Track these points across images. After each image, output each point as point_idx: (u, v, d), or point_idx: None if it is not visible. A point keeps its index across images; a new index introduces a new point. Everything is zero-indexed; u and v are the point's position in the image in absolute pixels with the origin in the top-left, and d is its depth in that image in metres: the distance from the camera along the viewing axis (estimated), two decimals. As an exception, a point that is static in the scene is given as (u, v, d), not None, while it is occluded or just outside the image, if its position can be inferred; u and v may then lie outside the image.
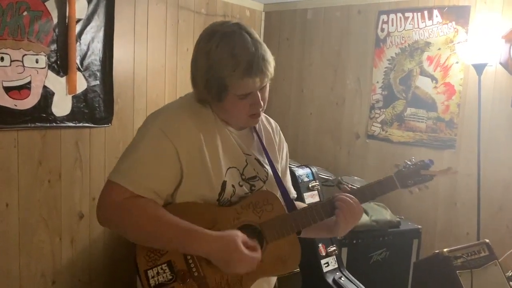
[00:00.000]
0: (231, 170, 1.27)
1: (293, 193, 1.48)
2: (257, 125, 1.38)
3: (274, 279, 1.40)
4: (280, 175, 1.37)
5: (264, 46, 1.21)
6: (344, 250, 2.64)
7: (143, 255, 1.19)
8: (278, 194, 1.34)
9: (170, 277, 1.17)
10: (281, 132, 1.49)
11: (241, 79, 1.16)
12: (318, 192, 2.64)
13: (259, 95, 1.23)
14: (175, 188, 1.22)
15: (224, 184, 1.24)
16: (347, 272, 2.54)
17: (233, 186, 1.26)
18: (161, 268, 1.17)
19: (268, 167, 1.35)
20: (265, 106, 1.28)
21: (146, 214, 1.15)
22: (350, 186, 1.31)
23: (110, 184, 1.18)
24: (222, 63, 1.16)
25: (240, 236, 1.16)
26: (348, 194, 1.31)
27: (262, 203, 1.25)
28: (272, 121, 1.48)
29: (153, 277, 1.17)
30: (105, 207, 1.19)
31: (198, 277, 1.18)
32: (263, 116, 1.42)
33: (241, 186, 1.28)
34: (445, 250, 2.26)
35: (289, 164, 1.60)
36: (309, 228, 1.31)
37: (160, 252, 1.19)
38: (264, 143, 1.38)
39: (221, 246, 1.13)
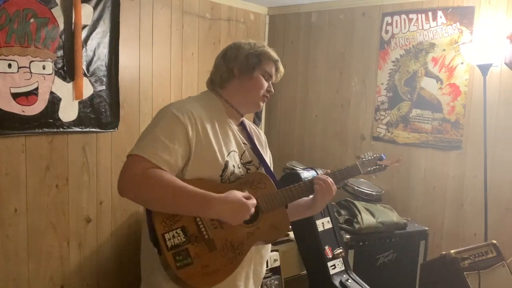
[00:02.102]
0: (233, 153, 1.51)
1: None
2: (247, 127, 1.66)
3: (266, 256, 1.63)
4: (268, 163, 1.66)
5: None
6: (351, 252, 2.64)
7: (160, 221, 1.36)
8: None
9: (184, 239, 1.36)
10: (266, 141, 1.77)
11: (271, 61, 1.59)
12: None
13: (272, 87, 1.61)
14: (185, 164, 1.41)
15: (226, 163, 1.47)
16: (354, 274, 2.54)
17: (233, 166, 1.49)
18: (176, 232, 1.36)
19: (260, 155, 1.64)
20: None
21: (164, 181, 1.34)
22: (327, 171, 1.69)
23: (131, 157, 1.38)
24: (262, 48, 1.59)
25: (238, 192, 1.41)
26: (325, 175, 1.61)
27: (257, 181, 1.51)
28: (260, 130, 1.79)
29: (169, 239, 1.34)
30: (128, 177, 1.36)
31: (207, 240, 1.38)
32: (252, 124, 1.73)
33: (239, 168, 1.53)
34: (452, 251, 2.26)
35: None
36: (293, 205, 1.60)
37: (174, 219, 1.37)
38: (256, 141, 1.66)
39: (229, 203, 1.37)
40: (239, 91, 1.57)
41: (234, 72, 1.56)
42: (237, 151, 1.54)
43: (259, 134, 1.73)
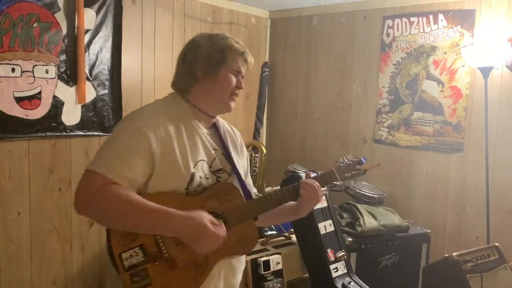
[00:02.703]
0: (201, 163, 1.41)
1: (254, 190, 1.64)
2: (221, 128, 1.56)
3: (240, 267, 1.54)
4: (240, 171, 1.53)
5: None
6: (353, 255, 2.64)
7: (117, 239, 1.28)
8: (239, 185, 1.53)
9: (143, 259, 1.28)
10: (241, 138, 1.68)
11: (237, 55, 1.45)
12: (326, 197, 2.64)
13: (242, 82, 1.49)
14: (148, 178, 1.32)
15: (192, 175, 1.37)
16: (356, 277, 2.54)
17: (200, 177, 1.39)
18: (134, 251, 1.28)
19: (232, 162, 1.53)
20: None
21: (122, 199, 1.24)
22: (308, 173, 1.63)
23: (88, 173, 1.28)
24: (225, 41, 1.45)
25: (206, 215, 1.30)
26: (311, 179, 1.53)
27: (224, 193, 1.41)
28: (234, 128, 1.67)
29: (127, 259, 1.27)
30: (84, 194, 1.27)
31: (168, 258, 1.30)
32: (226, 123, 1.63)
33: (207, 178, 1.42)
34: (454, 254, 2.26)
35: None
36: (272, 213, 1.50)
37: (133, 237, 1.29)
38: (229, 144, 1.55)
39: (191, 225, 1.26)
40: (205, 94, 1.45)
41: (196, 75, 1.44)
42: (205, 159, 1.42)
43: (234, 136, 1.62)
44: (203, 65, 1.43)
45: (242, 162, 1.59)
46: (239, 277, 1.54)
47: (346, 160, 1.63)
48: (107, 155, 1.30)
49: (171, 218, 1.26)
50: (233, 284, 1.50)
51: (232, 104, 1.49)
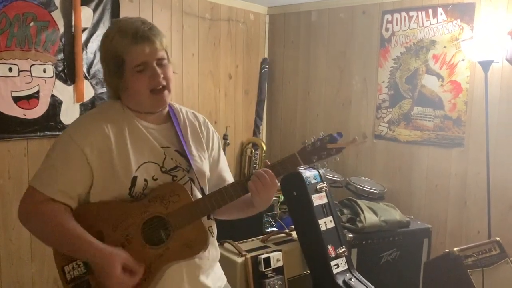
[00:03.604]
0: (146, 165, 1.32)
1: (229, 181, 1.53)
2: (181, 120, 1.44)
3: (208, 264, 1.43)
4: (203, 166, 1.43)
5: (153, 25, 1.33)
6: (354, 251, 2.63)
7: (59, 253, 1.30)
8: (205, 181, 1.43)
9: (84, 270, 1.27)
10: (209, 125, 1.54)
11: (131, 46, 1.26)
12: (326, 193, 2.63)
13: (158, 69, 1.30)
14: (89, 189, 1.30)
15: (134, 179, 1.29)
16: (357, 273, 2.53)
17: (145, 180, 1.31)
18: (76, 264, 1.28)
19: (187, 158, 1.40)
20: (170, 85, 1.34)
21: (52, 221, 1.24)
22: (266, 163, 1.35)
23: (28, 188, 1.29)
24: (113, 40, 1.29)
25: (123, 257, 1.24)
26: (264, 168, 1.34)
27: (168, 194, 1.31)
28: (200, 116, 1.53)
29: (69, 272, 1.28)
30: (20, 209, 1.29)
31: None
32: (190, 112, 1.50)
33: (155, 179, 1.32)
34: (455, 249, 2.25)
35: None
36: (228, 208, 1.37)
37: None
38: (189, 136, 1.44)
39: (101, 261, 1.22)
40: (130, 98, 1.34)
41: (108, 82, 1.36)
42: (152, 160, 1.33)
43: (198, 126, 1.49)
44: (107, 74, 1.34)
45: (207, 155, 1.48)
46: (214, 275, 1.46)
47: (314, 140, 1.37)
48: (43, 169, 1.29)
49: (86, 248, 1.23)
50: (206, 283, 1.41)
51: (163, 97, 1.33)
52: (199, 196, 1.40)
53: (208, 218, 1.42)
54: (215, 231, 1.47)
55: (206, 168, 1.45)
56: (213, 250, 1.44)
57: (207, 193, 1.41)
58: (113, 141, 1.29)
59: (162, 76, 1.30)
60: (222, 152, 1.58)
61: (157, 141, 1.36)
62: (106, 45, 1.31)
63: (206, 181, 1.45)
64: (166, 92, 1.34)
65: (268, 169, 1.33)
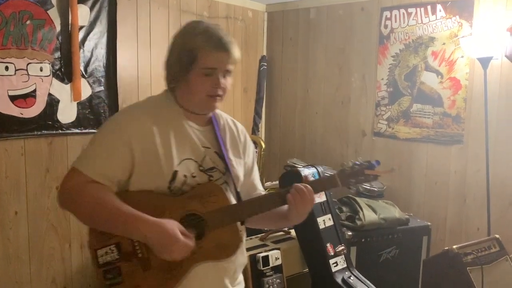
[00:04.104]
0: (187, 161, 1.36)
1: (260, 190, 1.60)
2: (221, 124, 1.50)
3: (233, 268, 1.45)
4: (238, 171, 1.48)
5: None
6: (353, 249, 2.62)
7: (94, 236, 1.31)
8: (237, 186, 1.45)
9: (117, 257, 1.29)
10: (247, 134, 1.60)
11: (210, 51, 1.32)
12: (324, 191, 2.62)
13: (222, 79, 1.36)
14: (129, 176, 1.32)
15: (175, 173, 1.33)
16: (356, 271, 2.52)
17: (184, 176, 1.34)
18: (110, 249, 1.29)
19: (225, 161, 1.45)
20: (225, 95, 1.40)
21: (96, 197, 1.26)
22: (307, 179, 1.44)
23: (71, 170, 1.32)
24: (196, 37, 1.33)
25: (177, 224, 1.26)
26: (304, 184, 1.39)
27: (207, 194, 1.35)
28: (238, 124, 1.59)
29: (101, 256, 1.29)
30: (63, 190, 1.31)
31: (142, 258, 1.29)
32: (229, 118, 1.56)
33: (194, 177, 1.36)
34: (455, 246, 2.25)
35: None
36: (261, 217, 1.43)
37: (110, 234, 1.29)
38: (228, 141, 1.48)
39: (159, 231, 1.22)
40: (186, 96, 1.38)
41: (171, 75, 1.39)
42: (193, 158, 1.37)
43: (237, 133, 1.53)
44: (174, 68, 1.37)
45: (242, 162, 1.51)
46: (236, 280, 1.48)
47: (353, 164, 1.44)
48: (88, 152, 1.34)
49: (140, 222, 1.23)
50: (229, 287, 1.43)
51: (214, 104, 1.38)
52: (233, 199, 1.43)
53: (242, 223, 1.43)
54: (244, 237, 1.49)
55: (241, 173, 1.49)
56: (241, 256, 1.47)
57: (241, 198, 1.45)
58: (158, 133, 1.33)
59: (223, 86, 1.37)
60: (255, 162, 1.63)
61: (199, 140, 1.41)
62: (188, 37, 1.35)
63: (240, 187, 1.48)
64: (219, 99, 1.39)
65: (308, 185, 1.38)
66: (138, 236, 1.26)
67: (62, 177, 2.59)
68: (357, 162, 1.44)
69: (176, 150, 1.34)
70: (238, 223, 1.39)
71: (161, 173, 1.31)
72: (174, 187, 1.33)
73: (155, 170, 1.31)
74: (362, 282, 2.44)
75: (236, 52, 1.37)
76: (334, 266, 2.47)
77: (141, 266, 1.29)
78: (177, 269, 1.30)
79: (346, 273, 2.48)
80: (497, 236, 2.35)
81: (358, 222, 2.66)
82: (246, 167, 1.54)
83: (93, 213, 1.27)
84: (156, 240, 1.22)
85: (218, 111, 1.51)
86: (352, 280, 2.43)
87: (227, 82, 1.39)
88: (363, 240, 2.65)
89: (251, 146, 1.59)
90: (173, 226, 1.23)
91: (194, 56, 1.32)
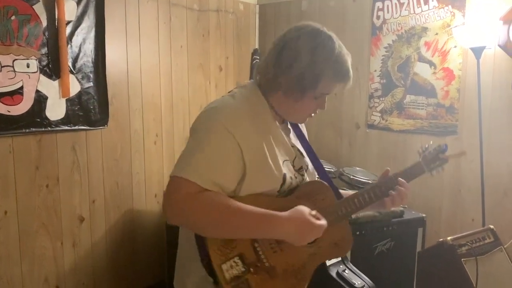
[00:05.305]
0: (286, 163, 1.35)
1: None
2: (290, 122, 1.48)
3: None
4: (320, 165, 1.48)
5: None
6: (348, 242, 2.61)
7: (215, 250, 1.22)
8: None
9: (243, 269, 1.22)
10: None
11: (335, 82, 1.31)
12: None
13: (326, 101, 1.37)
14: (238, 182, 1.26)
15: (284, 176, 1.31)
16: (351, 264, 2.51)
17: (290, 178, 1.34)
18: (234, 261, 1.22)
19: (307, 157, 1.47)
20: None
21: (218, 204, 1.19)
22: (387, 172, 1.52)
23: (177, 180, 1.19)
24: (328, 63, 1.27)
25: (305, 209, 1.24)
26: (403, 183, 1.42)
27: (315, 192, 1.34)
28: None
29: (227, 270, 1.21)
30: (175, 202, 1.19)
31: (268, 267, 1.25)
32: None
33: (295, 178, 1.36)
34: (449, 238, 2.23)
35: None
36: None
37: (231, 246, 1.23)
38: (303, 136, 1.49)
39: (296, 224, 1.20)
40: (284, 105, 1.34)
41: (281, 85, 1.30)
42: (288, 158, 1.36)
43: (303, 128, 1.54)
44: (291, 80, 1.28)
45: (314, 155, 1.52)
46: None
47: (429, 149, 1.49)
48: (196, 159, 1.21)
49: (274, 220, 1.20)
50: None
51: (307, 119, 1.41)
52: None
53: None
54: None
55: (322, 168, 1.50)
56: None
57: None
58: (263, 137, 1.29)
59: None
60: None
61: (288, 141, 1.40)
62: (321, 60, 1.27)
63: None
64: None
65: (405, 182, 1.42)
66: (276, 235, 1.23)
67: (54, 175, 2.55)
68: (431, 147, 1.49)
69: (278, 152, 1.32)
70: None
71: (274, 178, 1.29)
72: (283, 189, 1.32)
73: (268, 175, 1.28)
74: (357, 275, 2.42)
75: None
76: (328, 260, 2.45)
77: (268, 275, 1.25)
78: (302, 272, 1.28)
79: (341, 266, 2.46)
80: (491, 226, 2.33)
81: (353, 215, 2.64)
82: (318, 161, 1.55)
83: (219, 221, 1.19)
84: (294, 233, 1.21)
85: None
86: (347, 273, 2.42)
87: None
88: (357, 233, 2.64)
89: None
90: (303, 213, 1.23)
91: (317, 81, 1.27)
